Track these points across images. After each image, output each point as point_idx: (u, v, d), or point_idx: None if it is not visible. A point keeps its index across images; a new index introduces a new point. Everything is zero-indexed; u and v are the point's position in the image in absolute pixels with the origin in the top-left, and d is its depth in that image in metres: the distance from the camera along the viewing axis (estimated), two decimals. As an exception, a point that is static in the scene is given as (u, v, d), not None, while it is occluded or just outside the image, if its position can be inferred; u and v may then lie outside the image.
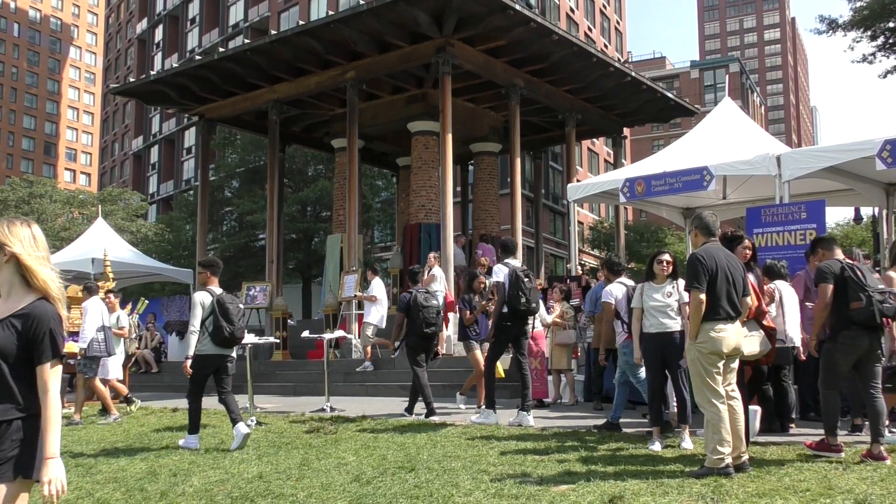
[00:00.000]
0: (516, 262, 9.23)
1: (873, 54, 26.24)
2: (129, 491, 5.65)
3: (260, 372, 14.56)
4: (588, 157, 57.12)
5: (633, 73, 18.83)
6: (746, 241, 7.27)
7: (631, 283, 8.61)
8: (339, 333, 12.12)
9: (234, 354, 8.57)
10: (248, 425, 9.07)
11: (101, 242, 18.75)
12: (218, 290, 8.34)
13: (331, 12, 16.81)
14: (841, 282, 6.31)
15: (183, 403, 11.92)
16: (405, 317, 10.01)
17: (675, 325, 6.93)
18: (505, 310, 8.72)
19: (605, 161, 57.08)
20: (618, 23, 67.20)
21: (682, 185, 11.16)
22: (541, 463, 6.21)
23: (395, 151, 21.78)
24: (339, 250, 18.42)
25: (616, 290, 8.50)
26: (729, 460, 5.61)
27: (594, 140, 54.19)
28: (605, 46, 59.68)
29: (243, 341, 8.71)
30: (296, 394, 13.48)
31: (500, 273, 8.85)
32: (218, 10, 61.80)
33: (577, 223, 28.76)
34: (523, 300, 8.68)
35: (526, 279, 8.77)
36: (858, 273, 6.30)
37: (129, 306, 14.81)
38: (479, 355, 9.79)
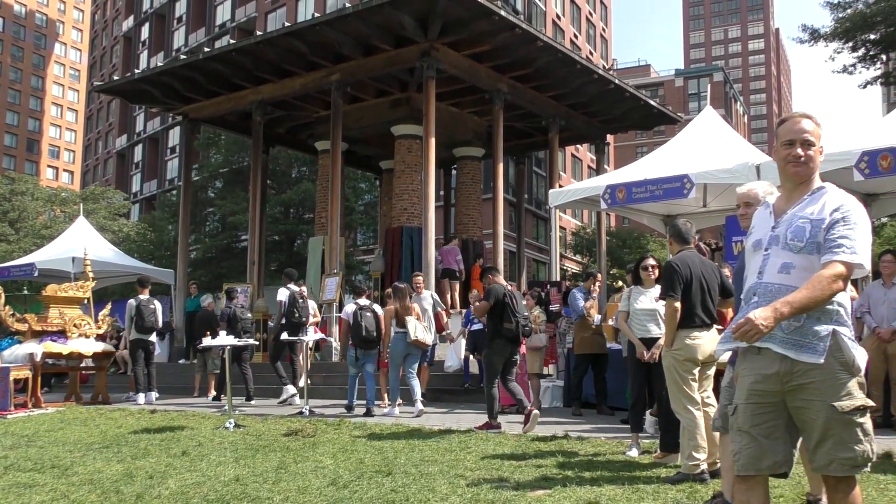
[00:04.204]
0: (295, 287, 12.79)
1: (853, 65, 26.52)
2: (105, 493, 5.62)
3: (239, 374, 14.49)
4: (571, 163, 57.32)
5: (616, 81, 18.95)
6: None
7: (366, 302, 11.06)
8: (319, 336, 12.10)
9: (153, 339, 13.58)
10: (226, 427, 9.09)
11: (82, 241, 18.59)
12: (142, 297, 13.31)
13: (317, 14, 16.81)
14: None
15: (161, 406, 12.12)
16: (228, 325, 12.64)
17: (660, 332, 6.86)
18: (283, 321, 12.46)
19: (589, 167, 57.30)
20: (603, 30, 67.53)
21: (662, 193, 11.24)
22: (518, 468, 6.23)
23: (378, 154, 21.81)
24: (321, 252, 18.41)
25: (348, 309, 11.15)
26: (704, 466, 5.67)
27: (578, 146, 54.37)
28: (591, 53, 59.96)
29: (226, 341, 10.40)
30: (275, 396, 13.44)
31: (283, 294, 12.66)
32: (205, 10, 61.57)
33: (560, 228, 28.70)
34: (296, 314, 12.45)
35: (301, 300, 12.57)
36: None
37: (109, 307, 14.69)
38: None
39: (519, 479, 5.78)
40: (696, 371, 5.87)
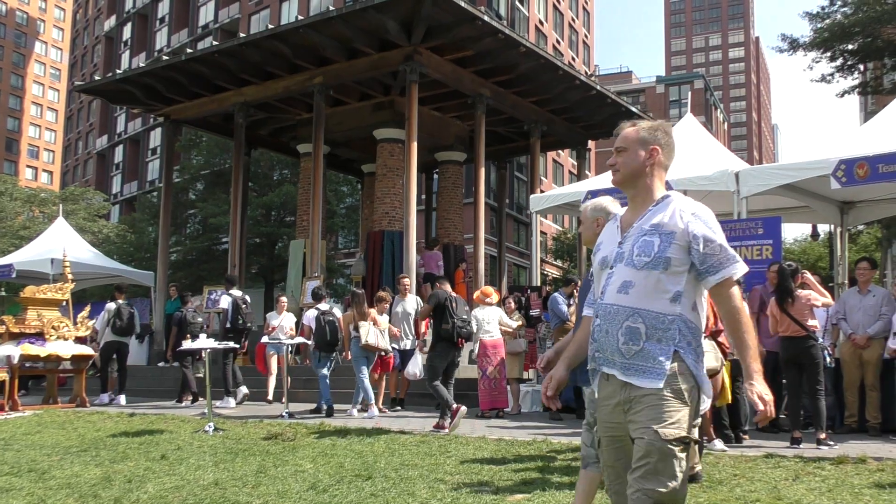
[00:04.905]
0: (238, 292, 13.15)
1: (832, 74, 26.84)
2: (83, 497, 5.59)
3: (218, 377, 14.42)
4: (553, 169, 57.52)
5: (598, 87, 19.05)
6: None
7: (326, 306, 11.46)
8: (300, 340, 12.07)
9: (127, 341, 14.09)
10: (206, 430, 9.05)
11: (61, 242, 18.42)
12: (120, 301, 13.88)
13: (301, 17, 16.80)
14: None
15: (140, 410, 12.05)
16: (178, 329, 13.29)
17: None
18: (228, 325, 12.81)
19: (570, 172, 57.51)
20: (586, 36, 67.87)
21: (643, 199, 11.29)
22: (498, 472, 6.26)
23: (360, 158, 21.78)
24: (302, 255, 18.36)
25: (309, 314, 11.85)
26: (681, 471, 5.70)
27: (559, 151, 54.61)
28: (573, 59, 60.24)
29: (199, 344, 10.53)
30: (254, 400, 13.40)
31: (225, 302, 12.88)
32: (188, 11, 61.33)
33: (541, 233, 28.75)
34: (241, 321, 12.79)
35: (244, 305, 12.91)
36: None
37: (88, 309, 14.59)
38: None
39: (499, 483, 5.81)
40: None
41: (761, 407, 2.60)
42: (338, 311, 11.83)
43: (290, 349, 12.93)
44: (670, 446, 2.56)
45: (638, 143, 2.88)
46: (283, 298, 13.77)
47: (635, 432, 2.64)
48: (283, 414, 10.76)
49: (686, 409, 2.62)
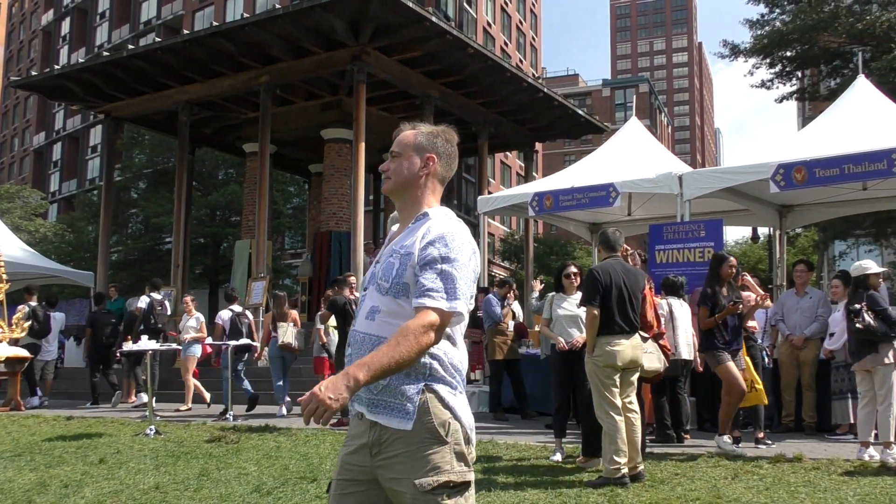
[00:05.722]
0: (157, 295, 13.72)
1: (771, 80, 27.45)
2: (16, 503, 5.44)
3: (162, 379, 14.17)
4: (500, 170, 57.80)
5: (545, 90, 19.22)
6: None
7: (238, 308, 12.07)
8: (245, 341, 11.91)
9: (41, 343, 13.96)
10: (147, 433, 8.88)
11: (-5, 242, 17.89)
12: (32, 303, 13.85)
13: (246, 14, 16.59)
14: None
15: (77, 413, 11.77)
16: (92, 330, 13.91)
17: (582, 336, 6.99)
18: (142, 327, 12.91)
19: (518, 174, 57.86)
20: (533, 39, 68.42)
21: (588, 201, 11.45)
22: (443, 473, 6.24)
23: (307, 158, 21.62)
24: (248, 256, 18.13)
25: (224, 315, 11.97)
26: (625, 470, 5.79)
27: (507, 153, 54.90)
28: (521, 61, 60.66)
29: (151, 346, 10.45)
30: (198, 402, 13.17)
31: (143, 302, 13.43)
32: (129, 6, 60.13)
33: (488, 235, 28.92)
34: (153, 321, 13.15)
35: (159, 308, 13.47)
36: None
37: (23, 310, 14.17)
38: (734, 370, 7.15)
39: (444, 484, 5.80)
40: (616, 377, 5.99)
41: (306, 400, 2.15)
42: (250, 314, 12.68)
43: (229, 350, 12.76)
44: (433, 495, 2.24)
45: (413, 148, 2.53)
46: (188, 298, 13.37)
47: (389, 483, 2.31)
48: (228, 416, 10.62)
49: (445, 448, 2.27)
